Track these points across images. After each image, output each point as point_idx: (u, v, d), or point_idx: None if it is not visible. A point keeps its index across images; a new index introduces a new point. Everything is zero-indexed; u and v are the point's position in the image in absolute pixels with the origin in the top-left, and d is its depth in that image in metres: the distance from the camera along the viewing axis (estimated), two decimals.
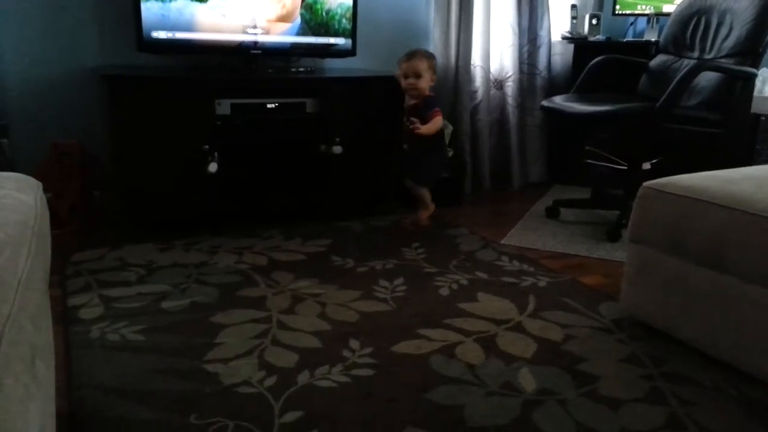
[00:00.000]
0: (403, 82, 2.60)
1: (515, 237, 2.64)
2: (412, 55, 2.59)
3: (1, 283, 0.84)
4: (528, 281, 2.14)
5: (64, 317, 1.78)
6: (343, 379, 1.49)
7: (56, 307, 1.78)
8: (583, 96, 2.84)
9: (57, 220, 2.41)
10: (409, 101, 2.67)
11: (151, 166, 2.41)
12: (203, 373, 1.50)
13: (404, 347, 1.65)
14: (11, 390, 0.67)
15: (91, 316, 1.79)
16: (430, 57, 2.61)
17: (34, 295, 0.94)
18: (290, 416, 1.34)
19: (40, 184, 1.29)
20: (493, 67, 3.34)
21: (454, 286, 2.07)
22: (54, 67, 2.58)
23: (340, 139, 2.64)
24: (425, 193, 2.72)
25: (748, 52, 2.59)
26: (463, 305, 1.93)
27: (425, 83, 2.59)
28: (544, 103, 2.84)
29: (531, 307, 1.93)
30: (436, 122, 2.60)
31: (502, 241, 2.57)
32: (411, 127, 2.57)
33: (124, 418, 1.33)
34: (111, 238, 2.43)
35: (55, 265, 1.35)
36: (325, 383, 1.47)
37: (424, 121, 2.57)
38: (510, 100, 3.38)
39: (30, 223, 1.09)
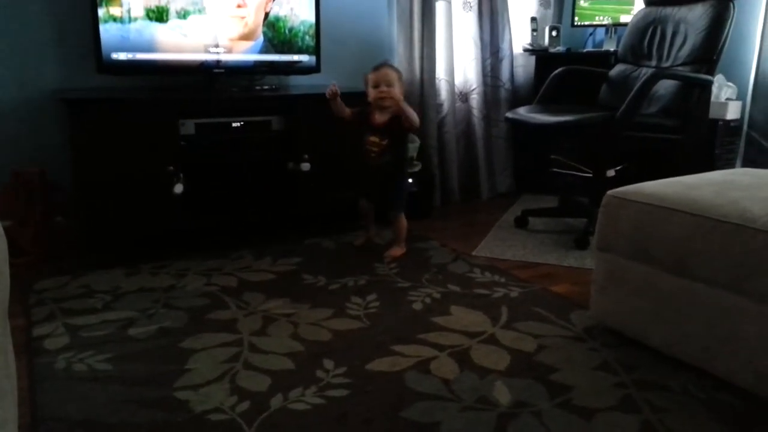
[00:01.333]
0: (374, 93, 2.41)
1: (486, 248, 2.65)
2: (381, 64, 2.48)
3: None
4: (500, 292, 2.15)
5: (28, 348, 1.72)
6: (318, 401, 1.47)
7: (20, 337, 1.73)
8: (546, 107, 2.88)
9: (19, 249, 2.34)
10: (380, 117, 2.45)
11: (115, 190, 2.36)
12: (173, 401, 1.47)
13: (378, 365, 1.64)
14: None
15: (56, 346, 1.73)
16: (397, 70, 2.49)
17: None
18: None
19: None
20: (458, 81, 3.37)
21: (427, 300, 2.07)
22: (13, 91, 2.52)
23: (308, 155, 2.63)
24: (403, 220, 2.57)
25: (703, 59, 2.66)
26: (437, 319, 1.92)
27: (399, 92, 2.43)
28: (509, 114, 2.87)
29: (504, 318, 1.94)
30: (403, 112, 2.40)
31: (473, 253, 2.58)
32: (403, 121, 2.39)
33: None
34: (75, 264, 2.37)
35: (18, 294, 1.31)
36: (299, 406, 1.45)
37: (404, 129, 2.44)
38: (475, 113, 3.42)
39: None
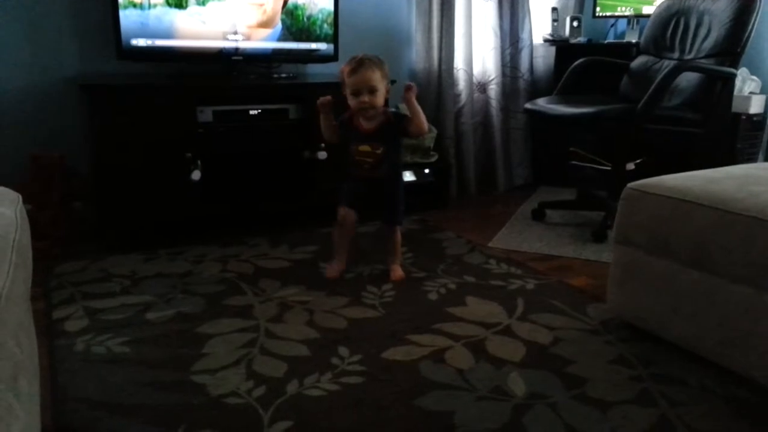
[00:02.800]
0: (354, 102, 2.01)
1: (502, 240, 2.64)
2: (359, 64, 1.98)
3: None
4: (516, 284, 2.14)
5: (48, 330, 1.75)
6: (333, 387, 1.48)
7: (40, 320, 1.75)
8: (565, 98, 2.86)
9: (38, 233, 2.37)
10: (367, 123, 2.07)
11: (133, 176, 2.38)
12: (190, 384, 1.48)
13: (393, 353, 1.64)
14: None
15: (76, 329, 1.76)
16: (381, 63, 2.01)
17: (15, 310, 0.92)
18: (280, 426, 1.33)
19: (19, 196, 1.27)
20: (476, 71, 3.35)
21: (443, 291, 2.07)
22: (33, 78, 2.54)
23: (325, 144, 2.63)
24: (399, 235, 2.24)
25: (727, 52, 2.62)
26: (452, 309, 1.92)
27: (382, 97, 2.03)
28: (528, 105, 2.85)
29: (519, 310, 1.93)
30: (416, 110, 2.03)
31: (489, 244, 2.57)
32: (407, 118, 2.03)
33: (111, 431, 1.31)
34: (93, 249, 2.40)
35: (38, 277, 1.33)
36: (314, 392, 1.46)
37: (400, 136, 2.13)
38: (493, 103, 3.40)
39: (10, 237, 1.07)
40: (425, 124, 2.05)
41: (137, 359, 1.60)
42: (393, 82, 2.89)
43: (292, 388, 1.47)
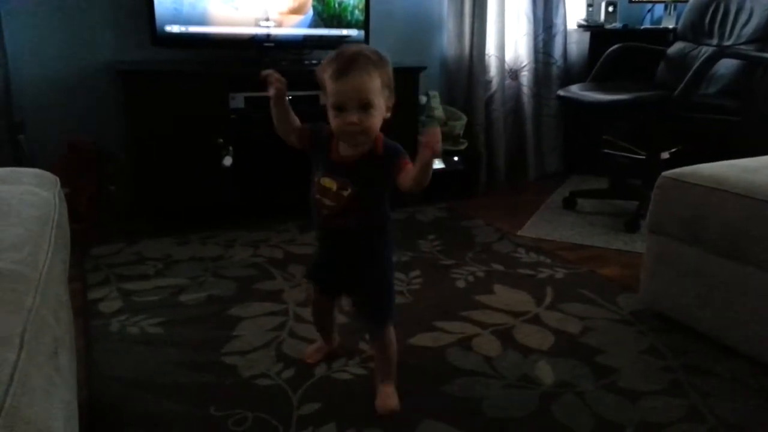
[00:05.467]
0: (336, 121, 1.23)
1: (532, 228, 2.62)
2: (349, 62, 1.21)
3: (23, 278, 0.85)
4: (545, 273, 2.12)
5: (84, 310, 1.80)
6: (360, 371, 1.49)
7: (76, 300, 1.80)
8: (600, 85, 2.81)
9: (74, 215, 2.43)
10: (345, 149, 1.28)
11: (166, 161, 2.42)
12: (222, 365, 1.51)
13: (421, 339, 1.65)
14: (35, 381, 0.67)
15: (111, 310, 1.80)
16: (383, 63, 1.25)
17: (55, 289, 0.95)
18: (308, 408, 1.35)
19: (57, 179, 1.30)
20: (508, 57, 3.31)
21: (471, 278, 2.07)
22: (69, 64, 2.59)
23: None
24: (393, 338, 1.40)
25: None
26: (480, 297, 1.92)
27: (380, 117, 1.25)
28: (561, 92, 2.81)
29: (548, 299, 1.92)
30: (427, 171, 1.18)
31: (519, 233, 2.56)
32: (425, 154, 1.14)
33: (144, 409, 1.35)
34: (127, 232, 2.45)
35: (74, 259, 1.37)
36: (342, 375, 1.47)
37: (388, 177, 1.26)
38: (525, 90, 3.35)
39: (49, 218, 1.10)
40: (426, 182, 1.19)
41: (170, 340, 1.63)
42: (422, 69, 2.90)
43: (320, 370, 1.49)
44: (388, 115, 1.28)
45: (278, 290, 1.95)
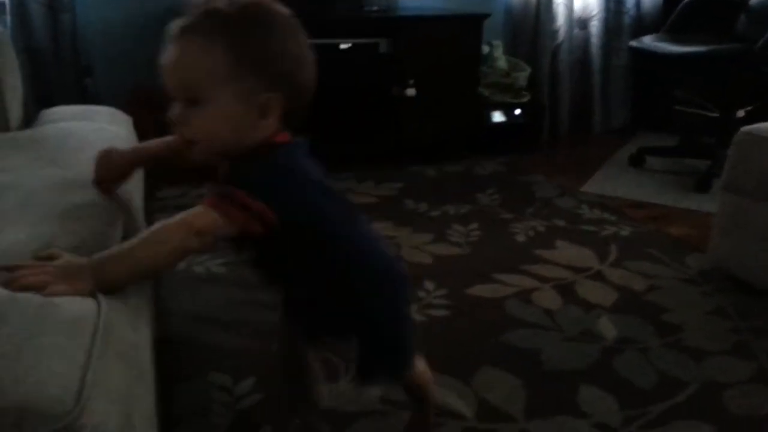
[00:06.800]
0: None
1: (596, 185, 2.54)
2: (178, 33, 0.85)
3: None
4: (609, 230, 2.07)
5: None
6: (419, 317, 1.50)
7: None
8: (674, 36, 2.66)
9: None
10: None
11: None
12: None
13: (479, 290, 1.64)
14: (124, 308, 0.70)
15: None
16: (247, 25, 0.82)
17: (135, 219, 0.98)
18: None
19: (130, 118, 1.33)
20: (577, 5, 3.16)
21: (531, 233, 2.03)
22: (132, 8, 2.61)
23: (414, 81, 2.59)
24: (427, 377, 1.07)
25: None
26: (540, 252, 1.89)
27: (225, 121, 0.83)
28: (633, 43, 2.68)
29: (612, 256, 1.87)
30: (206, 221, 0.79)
31: (582, 189, 2.49)
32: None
33: (210, 343, 1.40)
34: (191, 177, 2.49)
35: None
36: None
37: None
38: (594, 40, 3.21)
39: None
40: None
41: (234, 280, 1.68)
42: (486, 16, 2.81)
43: None
44: (267, 121, 0.83)
45: None
